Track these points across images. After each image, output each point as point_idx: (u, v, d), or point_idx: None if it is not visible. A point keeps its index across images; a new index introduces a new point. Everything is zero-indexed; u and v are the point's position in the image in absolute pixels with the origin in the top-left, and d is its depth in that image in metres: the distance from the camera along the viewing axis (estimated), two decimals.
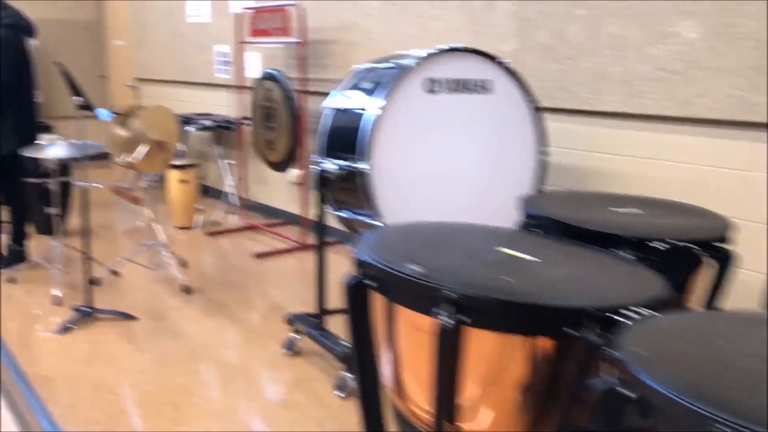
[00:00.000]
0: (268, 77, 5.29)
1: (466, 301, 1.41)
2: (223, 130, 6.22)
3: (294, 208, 5.85)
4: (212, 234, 5.56)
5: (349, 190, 3.02)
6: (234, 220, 6.03)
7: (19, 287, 4.27)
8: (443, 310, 1.42)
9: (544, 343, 1.44)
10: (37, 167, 5.12)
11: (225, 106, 6.52)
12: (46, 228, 5.36)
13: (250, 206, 6.02)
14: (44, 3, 8.78)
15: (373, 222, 2.94)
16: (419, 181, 2.98)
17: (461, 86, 3.03)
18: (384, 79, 2.94)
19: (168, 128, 4.13)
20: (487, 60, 3.09)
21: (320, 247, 3.07)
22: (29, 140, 4.47)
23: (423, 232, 1.90)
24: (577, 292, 1.51)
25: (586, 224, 2.06)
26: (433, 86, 2.97)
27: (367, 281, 1.60)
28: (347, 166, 2.92)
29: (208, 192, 6.88)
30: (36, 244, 5.15)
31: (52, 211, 4.17)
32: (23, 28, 4.34)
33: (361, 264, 1.62)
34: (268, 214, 6.12)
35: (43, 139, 5.17)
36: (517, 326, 1.43)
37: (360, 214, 3.02)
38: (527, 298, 1.43)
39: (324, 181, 3.01)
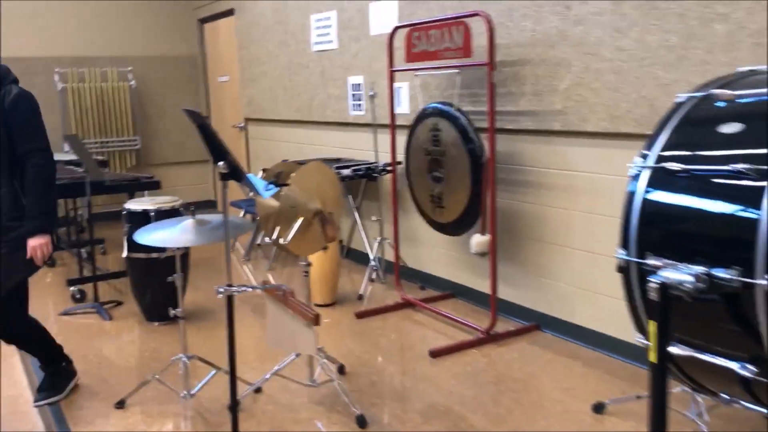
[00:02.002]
0: (433, 113, 4.05)
1: None
2: (364, 179, 5.03)
3: (460, 278, 4.57)
4: (362, 315, 4.33)
5: (711, 314, 1.71)
6: (379, 290, 4.81)
7: (130, 414, 3.10)
8: None
9: None
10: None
11: (361, 149, 5.33)
12: (155, 314, 4.28)
13: (401, 272, 4.77)
14: (138, 39, 7.91)
15: (757, 378, 1.62)
16: None
17: None
18: None
19: (328, 194, 2.94)
20: None
21: (660, 418, 1.74)
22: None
23: None
24: None
25: None
26: None
27: None
28: (720, 278, 1.61)
29: (342, 253, 5.69)
30: (144, 345, 4.03)
31: (178, 313, 3.01)
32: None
33: None
34: (421, 282, 4.86)
35: (157, 202, 4.00)
36: None
37: (730, 358, 1.70)
38: None
39: (665, 300, 1.71)
